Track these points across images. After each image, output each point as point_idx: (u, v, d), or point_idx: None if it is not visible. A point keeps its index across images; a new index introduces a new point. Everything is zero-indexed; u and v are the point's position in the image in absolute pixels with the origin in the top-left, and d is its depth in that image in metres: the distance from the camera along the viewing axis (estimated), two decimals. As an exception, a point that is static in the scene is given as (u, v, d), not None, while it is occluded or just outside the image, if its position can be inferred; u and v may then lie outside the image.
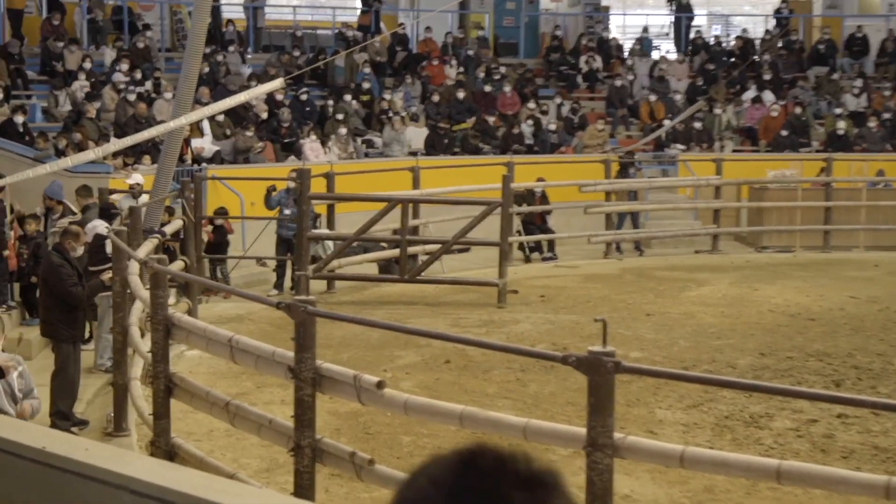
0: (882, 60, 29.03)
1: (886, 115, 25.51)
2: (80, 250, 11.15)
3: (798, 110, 25.38)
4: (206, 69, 22.75)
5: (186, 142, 18.82)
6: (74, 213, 14.52)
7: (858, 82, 27.06)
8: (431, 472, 1.76)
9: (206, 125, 20.79)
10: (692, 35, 30.46)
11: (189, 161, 19.51)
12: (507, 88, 25.47)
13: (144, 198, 14.50)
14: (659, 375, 8.52)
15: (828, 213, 21.71)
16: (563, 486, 1.76)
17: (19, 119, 18.66)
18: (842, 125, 24.81)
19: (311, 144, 21.54)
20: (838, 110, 25.78)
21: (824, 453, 9.44)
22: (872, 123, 24.96)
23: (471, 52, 27.33)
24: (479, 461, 1.75)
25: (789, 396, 10.19)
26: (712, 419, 10.42)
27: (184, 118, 13.23)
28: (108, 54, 23.77)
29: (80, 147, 17.52)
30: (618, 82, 26.76)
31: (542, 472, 1.75)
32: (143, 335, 10.01)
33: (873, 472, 8.39)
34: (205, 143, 20.69)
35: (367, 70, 25.30)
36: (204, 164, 19.49)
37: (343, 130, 22.25)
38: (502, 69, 26.70)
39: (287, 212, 16.84)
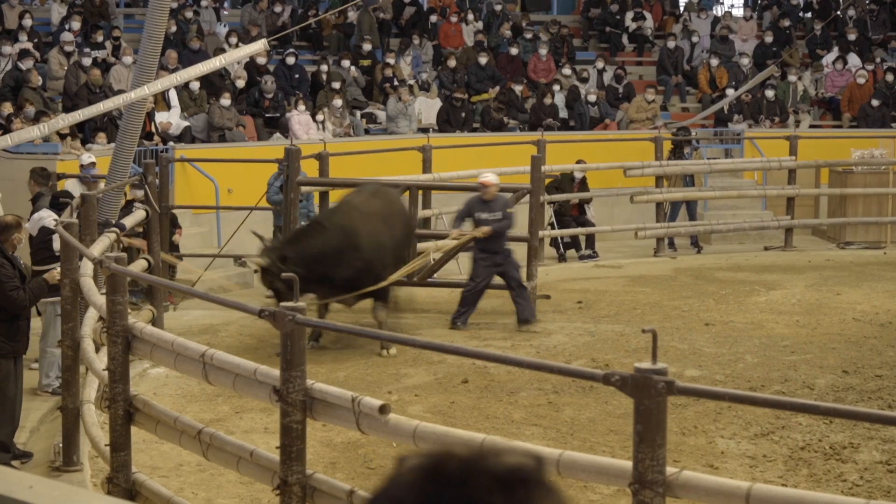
0: None
1: None
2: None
3: (890, 77, 25.32)
4: (174, 28, 22.80)
5: (150, 116, 18.87)
6: None
7: (963, 43, 27.01)
8: (392, 493, 1.78)
9: (173, 96, 20.84)
10: (761, -14, 30.46)
11: (154, 140, 19.56)
12: (543, 52, 25.46)
13: (99, 184, 14.55)
14: (720, 398, 8.51)
15: (926, 202, 21.67)
16: (546, 480, 1.78)
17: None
18: (943, 95, 24.75)
19: (299, 119, 21.58)
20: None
21: (921, 492, 9.44)
22: (980, 93, 24.91)
23: (495, 7, 27.36)
24: (444, 469, 1.77)
25: (878, 423, 10.16)
26: (785, 450, 10.42)
27: (146, 88, 13.26)
28: (56, 10, 23.86)
29: (33, 119, 17.56)
30: (671, 44, 26.75)
31: (519, 468, 1.78)
32: (97, 349, 10.04)
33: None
34: (172, 118, 20.74)
35: (366, 29, 25.36)
36: (171, 144, 19.53)
37: (339, 102, 22.28)
38: (532, 28, 26.72)
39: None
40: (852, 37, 27.17)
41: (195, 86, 21.22)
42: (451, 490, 1.76)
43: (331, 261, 13.58)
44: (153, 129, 19.81)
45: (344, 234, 13.78)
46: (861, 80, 25.27)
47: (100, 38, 22.64)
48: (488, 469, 1.79)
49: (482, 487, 1.76)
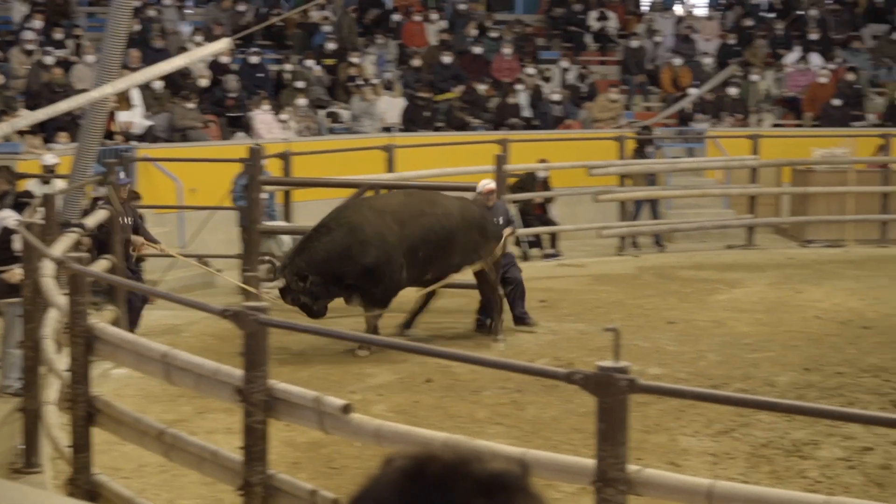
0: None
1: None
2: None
3: (851, 77, 25.46)
4: (137, 27, 22.69)
5: (112, 115, 18.78)
6: None
7: (924, 43, 27.18)
8: (375, 492, 1.79)
9: (136, 95, 20.75)
10: (724, -15, 30.59)
11: (116, 139, 19.48)
12: (507, 51, 25.47)
13: (60, 183, 14.47)
14: (683, 396, 8.54)
15: (886, 200, 21.80)
16: (528, 487, 1.79)
17: None
18: (903, 94, 24.92)
19: (263, 118, 21.53)
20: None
21: (880, 487, 9.49)
22: (940, 92, 25.09)
23: (459, 7, 27.37)
24: (427, 471, 1.78)
25: (839, 420, 10.22)
26: (747, 448, 10.46)
27: (109, 87, 13.19)
28: (18, 8, 23.74)
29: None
30: (634, 43, 26.82)
31: (501, 474, 1.78)
32: (59, 350, 9.99)
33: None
34: (134, 118, 20.65)
35: (330, 28, 25.31)
36: (133, 143, 19.45)
37: (302, 101, 22.25)
38: (497, 27, 26.74)
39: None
40: (814, 36, 27.30)
41: (158, 85, 21.14)
42: (432, 493, 1.77)
43: (338, 259, 13.61)
44: (116, 129, 19.72)
45: (349, 231, 13.76)
46: (823, 80, 25.41)
47: (62, 37, 22.52)
48: (471, 473, 1.79)
49: (463, 492, 1.77)
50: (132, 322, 13.80)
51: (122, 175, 14.73)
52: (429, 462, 1.82)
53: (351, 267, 13.66)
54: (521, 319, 15.16)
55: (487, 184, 15.32)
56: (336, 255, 13.60)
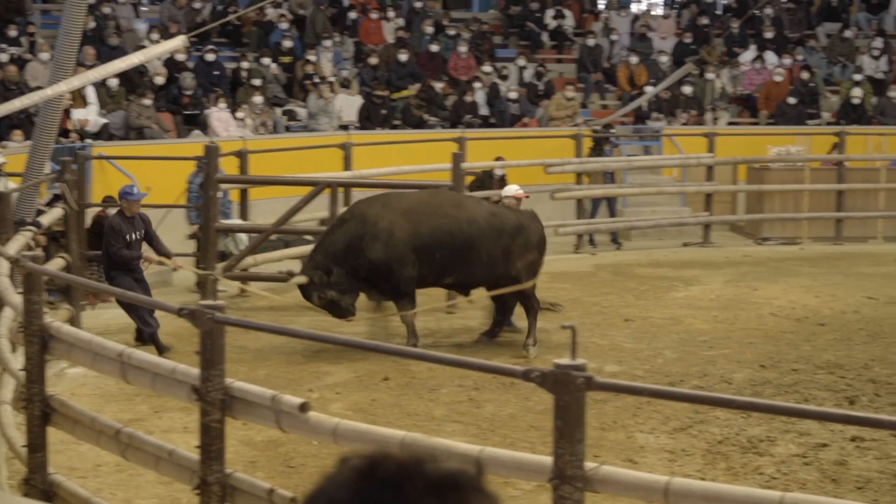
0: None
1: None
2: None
3: (806, 75, 25.63)
4: (92, 24, 22.57)
5: (67, 113, 18.67)
6: None
7: (877, 42, 27.38)
8: (329, 492, 1.79)
9: (91, 93, 20.64)
10: (680, -16, 30.72)
11: (71, 137, 19.37)
12: (463, 49, 25.49)
13: (9, 182, 14.37)
14: (639, 393, 8.59)
15: (840, 198, 21.95)
16: (482, 487, 1.80)
17: None
18: (857, 93, 25.09)
19: (219, 115, 21.46)
20: (856, 76, 26.03)
21: (836, 483, 9.55)
22: (893, 92, 25.26)
23: (416, 5, 27.37)
24: (380, 471, 1.79)
25: (795, 416, 10.28)
26: (703, 445, 10.51)
27: (63, 84, 13.12)
28: (-29, 6, 23.54)
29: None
30: (591, 41, 26.90)
31: (454, 474, 1.79)
32: (14, 349, 9.93)
33: (894, 507, 8.51)
34: (90, 115, 20.55)
35: (287, 26, 25.25)
36: (88, 141, 19.34)
37: (259, 99, 22.19)
38: (454, 25, 26.75)
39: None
40: (769, 35, 27.46)
41: (113, 82, 21.03)
42: (385, 492, 1.77)
43: (354, 250, 13.52)
44: (70, 127, 19.61)
45: (360, 223, 13.67)
46: (778, 78, 25.56)
47: (16, 34, 22.36)
48: (424, 473, 1.80)
49: (416, 491, 1.77)
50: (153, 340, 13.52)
51: (135, 190, 14.16)
52: (382, 462, 1.82)
53: (361, 260, 13.56)
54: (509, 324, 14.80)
55: (516, 190, 14.87)
56: (349, 246, 13.52)
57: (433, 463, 1.82)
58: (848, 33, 28.08)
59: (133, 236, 13.74)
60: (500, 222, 13.91)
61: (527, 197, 14.92)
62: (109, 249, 13.68)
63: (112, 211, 14.84)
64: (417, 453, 1.85)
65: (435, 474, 1.80)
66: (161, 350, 12.87)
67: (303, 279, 13.58)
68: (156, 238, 14.12)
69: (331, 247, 13.61)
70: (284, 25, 25.22)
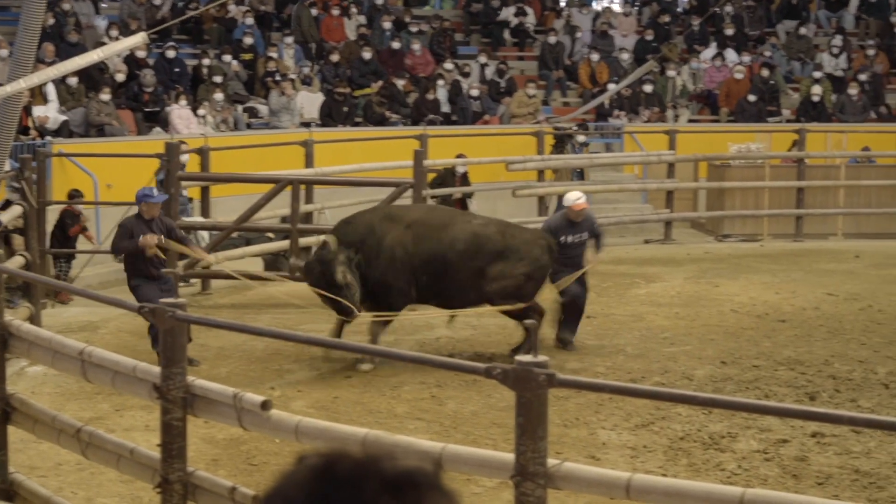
0: (864, 14, 29.55)
1: (867, 78, 25.96)
2: None
3: (766, 72, 25.75)
4: (51, 21, 22.45)
5: (26, 110, 18.55)
6: None
7: (837, 40, 27.54)
8: (285, 491, 1.79)
9: (50, 90, 20.53)
10: (641, -18, 30.81)
11: (30, 134, 19.25)
12: (416, 46, 25.50)
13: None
14: (601, 390, 8.62)
15: (800, 195, 22.06)
16: (440, 485, 1.80)
17: None
18: (817, 90, 25.23)
19: (180, 113, 21.38)
20: (815, 73, 26.18)
21: (796, 479, 9.61)
22: (853, 90, 25.41)
23: (377, 1, 27.34)
24: (337, 470, 1.79)
25: (756, 413, 10.34)
26: (665, 441, 10.54)
27: (23, 81, 13.03)
28: (-71, 2, 23.38)
29: None
30: (552, 39, 26.94)
31: (411, 472, 1.79)
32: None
33: (853, 501, 8.56)
34: (49, 112, 20.43)
35: (250, 21, 25.19)
36: (48, 138, 19.24)
37: (220, 96, 22.11)
38: (416, 22, 26.74)
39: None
40: (730, 32, 27.58)
41: (73, 80, 20.92)
42: (341, 491, 1.77)
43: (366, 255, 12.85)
44: (30, 124, 19.49)
45: (367, 230, 13.01)
46: (738, 76, 25.67)
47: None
48: (381, 472, 1.79)
49: (372, 490, 1.77)
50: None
51: (155, 192, 13.04)
52: (339, 460, 1.82)
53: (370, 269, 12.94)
54: (563, 340, 13.81)
55: (578, 199, 13.82)
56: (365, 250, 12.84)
57: (390, 461, 1.82)
58: (807, 31, 28.24)
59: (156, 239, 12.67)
60: (479, 245, 13.19)
61: (586, 206, 13.92)
62: (113, 246, 13.03)
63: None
64: (374, 452, 1.85)
65: (392, 473, 1.80)
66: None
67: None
68: (181, 237, 13.19)
69: (349, 236, 12.90)
70: (250, 21, 25.13)
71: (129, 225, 12.77)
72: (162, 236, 12.57)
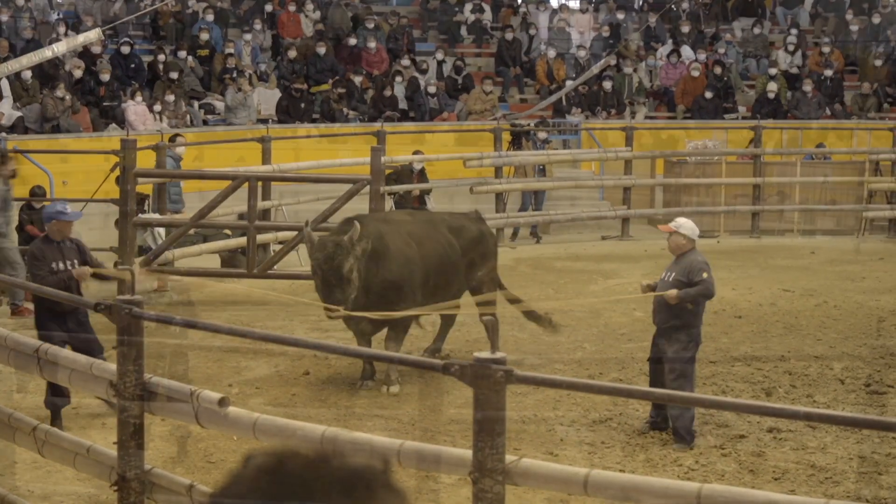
0: (819, 11, 29.74)
1: (825, 75, 26.13)
2: None
3: (721, 69, 25.87)
4: (5, 17, 22.31)
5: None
6: None
7: (792, 37, 27.68)
8: (234, 490, 1.79)
9: (4, 86, 20.40)
10: (597, -21, 30.88)
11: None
12: (372, 44, 25.46)
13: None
14: (559, 386, 8.63)
15: (757, 192, 22.18)
16: (390, 483, 1.81)
17: None
18: (773, 87, 25.36)
19: (135, 109, 21.28)
20: (771, 70, 26.32)
21: (753, 474, 9.66)
22: (808, 86, 25.56)
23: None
24: (286, 468, 1.79)
25: (712, 408, 10.39)
26: (623, 437, 10.59)
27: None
28: None
29: None
30: (509, 36, 26.97)
31: (361, 470, 1.79)
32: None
33: (809, 496, 8.62)
34: (4, 108, 20.31)
35: (211, 17, 25.10)
36: (3, 134, 19.12)
37: (171, 97, 22.01)
38: (373, 18, 26.71)
39: None
40: (686, 29, 27.69)
41: (27, 75, 20.79)
42: (291, 489, 1.77)
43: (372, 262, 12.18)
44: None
45: (377, 238, 12.27)
46: (695, 73, 25.77)
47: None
48: (330, 470, 1.79)
49: (321, 487, 1.77)
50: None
51: (68, 208, 11.34)
52: (288, 459, 1.82)
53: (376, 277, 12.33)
54: (680, 435, 10.38)
55: (675, 221, 12.15)
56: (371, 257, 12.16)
57: (340, 459, 1.82)
58: (757, 28, 28.36)
59: (60, 265, 10.92)
60: (463, 236, 13.18)
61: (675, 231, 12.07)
62: (34, 279, 10.94)
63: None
64: (324, 450, 1.84)
65: (342, 471, 1.80)
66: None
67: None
68: (95, 264, 11.35)
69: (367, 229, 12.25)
70: (210, 17, 25.04)
71: (39, 252, 11.00)
72: (86, 264, 11.03)
